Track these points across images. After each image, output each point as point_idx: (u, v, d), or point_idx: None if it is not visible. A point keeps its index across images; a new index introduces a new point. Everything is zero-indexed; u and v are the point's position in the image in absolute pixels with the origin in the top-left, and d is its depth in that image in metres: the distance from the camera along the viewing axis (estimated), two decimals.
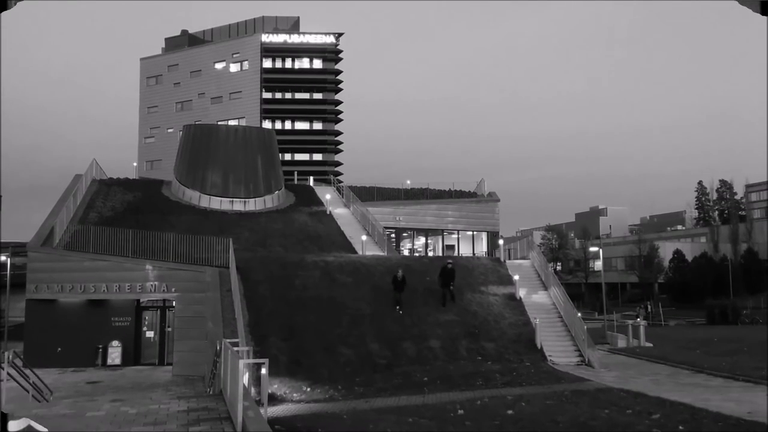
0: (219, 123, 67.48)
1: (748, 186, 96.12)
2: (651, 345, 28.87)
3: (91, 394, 16.84)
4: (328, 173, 65.47)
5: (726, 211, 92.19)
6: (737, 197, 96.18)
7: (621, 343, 30.13)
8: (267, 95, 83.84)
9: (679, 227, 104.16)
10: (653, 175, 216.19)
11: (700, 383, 18.58)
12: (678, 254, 73.44)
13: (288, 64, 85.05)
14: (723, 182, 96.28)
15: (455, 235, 42.49)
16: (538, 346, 23.42)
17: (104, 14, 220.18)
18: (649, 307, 51.64)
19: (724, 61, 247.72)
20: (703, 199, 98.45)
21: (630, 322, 32.72)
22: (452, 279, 25.71)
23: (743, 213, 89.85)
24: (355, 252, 31.19)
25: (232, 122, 73.88)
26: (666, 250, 76.92)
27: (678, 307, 63.97)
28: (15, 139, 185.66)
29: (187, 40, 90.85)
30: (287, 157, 76.04)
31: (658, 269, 74.18)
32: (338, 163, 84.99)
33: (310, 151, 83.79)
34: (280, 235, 32.72)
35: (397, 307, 24.60)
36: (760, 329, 37.90)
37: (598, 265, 71.42)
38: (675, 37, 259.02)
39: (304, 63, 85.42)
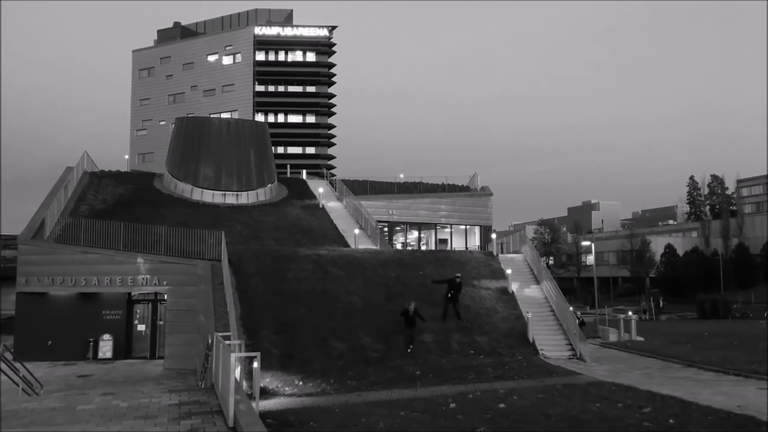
0: (211, 116, 67.09)
1: (739, 181, 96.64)
2: (642, 339, 29.03)
3: (82, 387, 16.77)
4: (321, 167, 65.21)
5: (717, 206, 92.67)
6: (728, 192, 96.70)
7: (612, 337, 30.26)
8: (260, 88, 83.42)
9: (671, 222, 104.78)
10: (645, 169, 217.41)
11: (691, 377, 18.66)
12: (669, 249, 73.84)
13: (281, 57, 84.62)
14: (714, 177, 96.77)
15: (448, 229, 42.52)
16: (530, 340, 23.47)
17: (96, 5, 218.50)
18: (661, 302, 51.60)
19: (717, 56, 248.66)
20: (695, 194, 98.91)
21: (621, 316, 32.85)
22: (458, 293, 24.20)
23: (734, 208, 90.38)
24: (348, 245, 31.14)
25: (224, 115, 73.44)
26: (657, 245, 77.37)
27: (669, 301, 64.37)
28: (5, 129, 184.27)
29: (180, 33, 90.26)
30: (280, 150, 75.75)
31: (650, 264, 74.61)
32: (331, 157, 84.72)
33: (303, 145, 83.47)
34: (273, 228, 32.64)
35: (409, 349, 21.87)
36: (750, 323, 38.28)
37: (590, 259, 71.74)
38: (668, 32, 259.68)
39: (297, 56, 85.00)
